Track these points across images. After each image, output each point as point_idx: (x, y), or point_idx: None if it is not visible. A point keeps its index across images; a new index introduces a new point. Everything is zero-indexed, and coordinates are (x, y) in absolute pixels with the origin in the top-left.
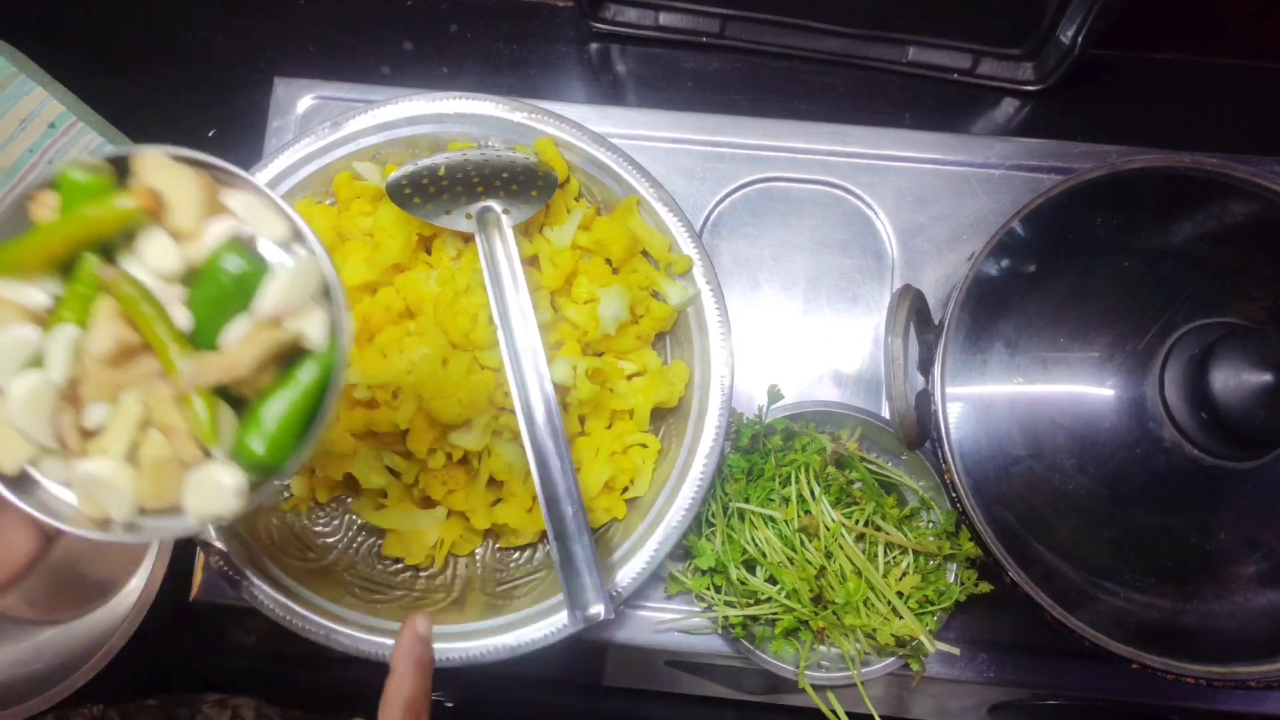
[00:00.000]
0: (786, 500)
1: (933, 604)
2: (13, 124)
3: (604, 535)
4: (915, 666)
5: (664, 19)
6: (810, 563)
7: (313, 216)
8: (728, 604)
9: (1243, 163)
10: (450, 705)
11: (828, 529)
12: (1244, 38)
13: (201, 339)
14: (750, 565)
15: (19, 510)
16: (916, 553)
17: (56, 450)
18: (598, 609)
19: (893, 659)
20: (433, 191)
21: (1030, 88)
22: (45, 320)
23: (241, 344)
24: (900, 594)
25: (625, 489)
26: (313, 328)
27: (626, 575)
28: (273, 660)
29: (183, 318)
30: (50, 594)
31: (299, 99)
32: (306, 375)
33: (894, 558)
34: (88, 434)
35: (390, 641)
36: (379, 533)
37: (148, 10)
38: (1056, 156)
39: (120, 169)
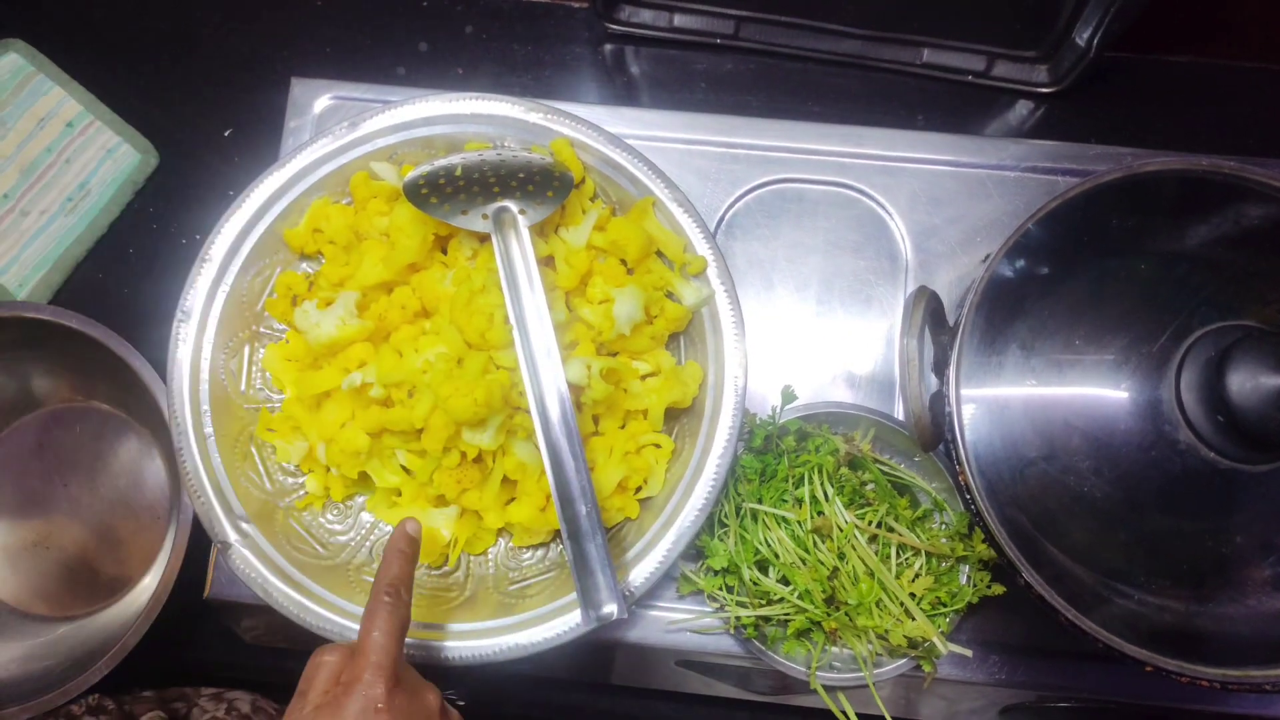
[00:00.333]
0: (800, 501)
1: (945, 605)
2: (31, 123)
3: (617, 535)
4: (927, 668)
5: (678, 20)
6: (823, 564)
7: (330, 216)
8: (740, 604)
9: (1260, 165)
10: (462, 703)
11: (841, 530)
12: (1260, 40)
13: None
14: (763, 566)
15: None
16: (929, 554)
17: None
18: (611, 608)
19: (905, 660)
20: (449, 191)
21: (1045, 90)
22: None
23: None
24: (913, 595)
25: (639, 489)
26: None
27: (639, 575)
28: (286, 657)
29: None
30: (64, 591)
31: (316, 99)
32: None
33: (907, 559)
34: None
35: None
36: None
37: (165, 11)
38: (1071, 159)
39: None
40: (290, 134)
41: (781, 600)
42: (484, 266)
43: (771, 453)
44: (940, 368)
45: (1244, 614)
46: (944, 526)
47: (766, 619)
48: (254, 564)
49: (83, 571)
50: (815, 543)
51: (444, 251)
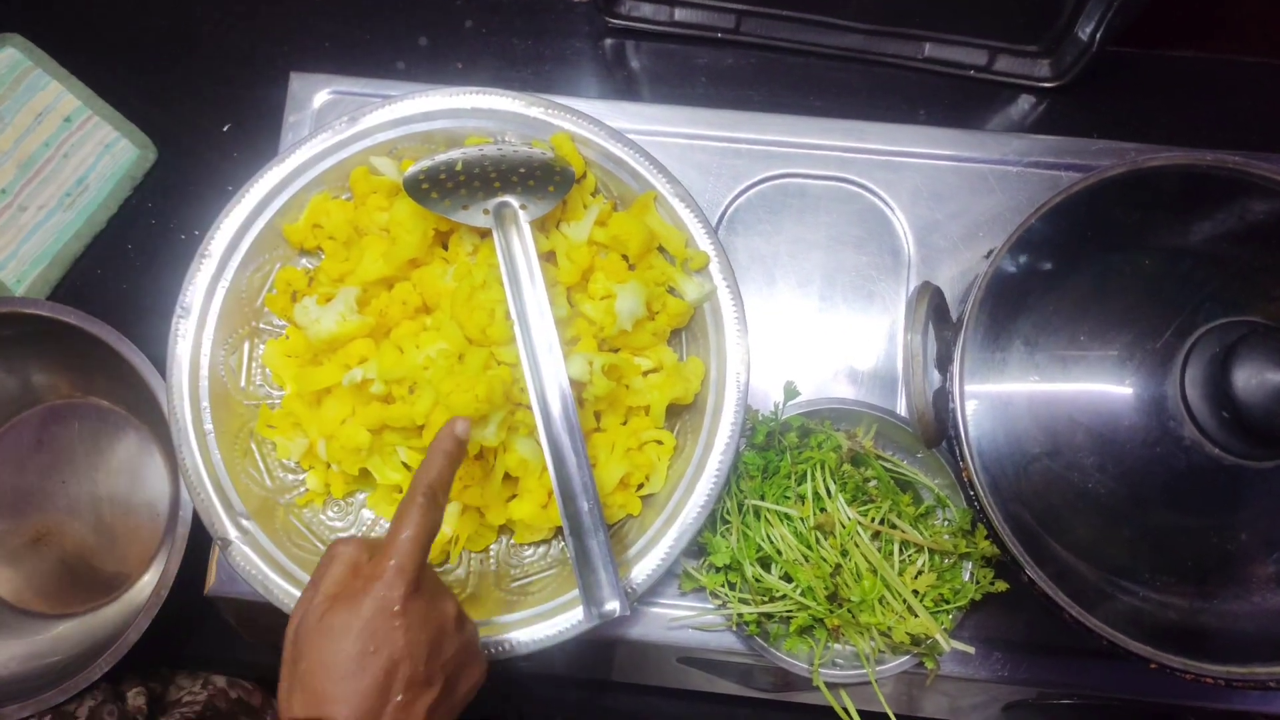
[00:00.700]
0: (802, 498)
1: (948, 602)
2: (29, 118)
3: (619, 532)
4: (930, 665)
5: (679, 14)
6: (825, 560)
7: (330, 211)
8: (742, 601)
9: (1263, 160)
10: None
11: (843, 526)
12: (1262, 35)
13: None
14: (765, 562)
15: None
16: (932, 551)
17: None
18: (613, 605)
19: (907, 657)
20: (450, 187)
21: (1047, 84)
22: None
23: None
24: (916, 592)
25: (640, 485)
26: None
27: (641, 572)
28: None
29: None
30: (63, 588)
31: (315, 94)
32: None
33: (909, 556)
34: None
35: None
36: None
37: (164, 5)
38: (1074, 153)
39: None
40: (289, 129)
41: (784, 597)
42: (485, 262)
43: (774, 449)
44: (943, 363)
45: (1249, 610)
46: (947, 523)
47: (769, 616)
48: (254, 561)
49: (82, 569)
50: (818, 539)
51: (445, 247)
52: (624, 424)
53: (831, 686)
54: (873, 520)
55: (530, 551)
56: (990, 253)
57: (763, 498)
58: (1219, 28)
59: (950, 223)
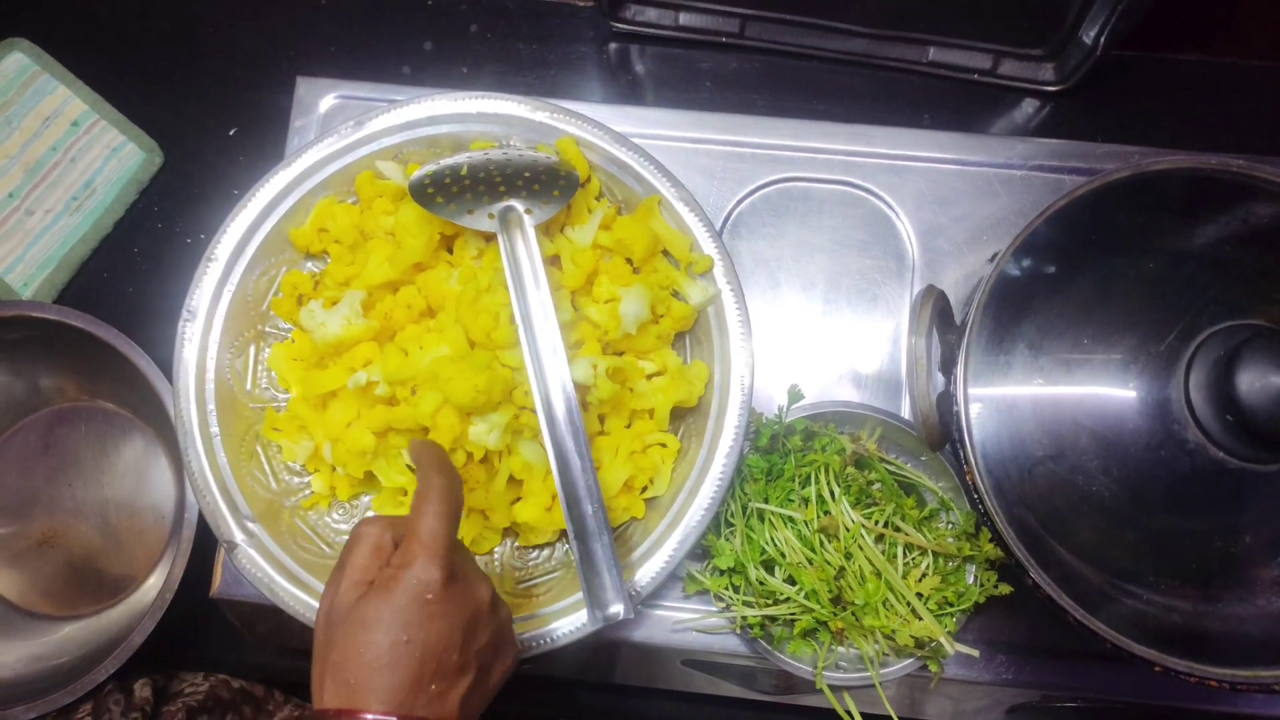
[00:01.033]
0: (806, 501)
1: (952, 605)
2: (36, 122)
3: (623, 534)
4: (934, 668)
5: (684, 19)
6: (829, 563)
7: (335, 215)
8: (746, 604)
9: (1268, 164)
10: None
11: (847, 530)
12: (1267, 39)
13: None
14: (769, 565)
15: None
16: (936, 554)
17: None
18: (618, 608)
19: (911, 660)
20: (455, 191)
21: (1051, 88)
22: None
23: None
24: (920, 595)
25: (644, 488)
26: None
27: (645, 574)
28: (294, 656)
29: None
30: (69, 590)
31: (321, 98)
32: None
33: (913, 559)
34: None
35: None
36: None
37: (170, 10)
38: (1078, 157)
39: None
40: (295, 133)
41: (788, 600)
42: (490, 266)
43: (778, 452)
44: (948, 367)
45: (1253, 614)
46: (951, 526)
47: (772, 619)
48: (260, 563)
49: (88, 571)
50: (822, 542)
51: (450, 251)
52: (628, 427)
53: (835, 689)
54: (877, 523)
55: (535, 554)
56: (994, 256)
57: (766, 500)
58: (1223, 31)
59: (954, 226)
